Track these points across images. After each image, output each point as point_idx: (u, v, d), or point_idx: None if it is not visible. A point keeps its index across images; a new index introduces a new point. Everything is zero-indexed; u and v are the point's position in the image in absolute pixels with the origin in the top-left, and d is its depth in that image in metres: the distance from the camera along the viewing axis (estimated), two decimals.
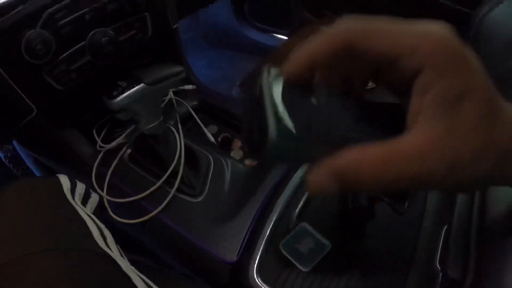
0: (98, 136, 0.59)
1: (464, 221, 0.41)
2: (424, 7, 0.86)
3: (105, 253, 0.38)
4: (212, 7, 1.09)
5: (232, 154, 0.61)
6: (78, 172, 0.57)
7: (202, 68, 1.30)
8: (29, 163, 0.72)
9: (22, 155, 0.73)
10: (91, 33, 0.50)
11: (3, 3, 0.44)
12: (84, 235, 0.39)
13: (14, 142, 0.69)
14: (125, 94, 0.48)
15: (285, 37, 1.24)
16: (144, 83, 0.49)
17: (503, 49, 0.68)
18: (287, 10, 1.17)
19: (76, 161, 0.57)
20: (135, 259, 0.43)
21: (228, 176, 0.54)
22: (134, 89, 0.48)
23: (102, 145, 0.58)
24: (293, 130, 0.18)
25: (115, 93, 0.48)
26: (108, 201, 0.53)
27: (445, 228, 0.44)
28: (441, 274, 0.39)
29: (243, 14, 1.29)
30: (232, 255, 0.46)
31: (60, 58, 0.48)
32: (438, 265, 0.40)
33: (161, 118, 0.53)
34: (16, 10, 0.44)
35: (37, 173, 0.73)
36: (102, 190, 0.54)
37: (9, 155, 0.76)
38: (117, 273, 0.37)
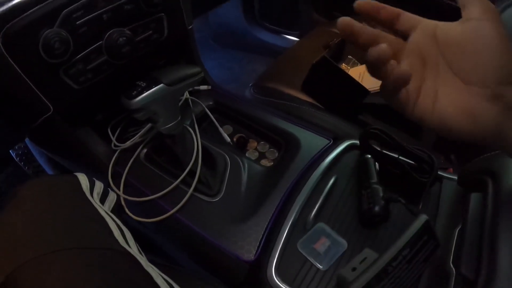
0: (113, 135, 0.59)
1: (477, 222, 0.41)
2: (432, 8, 0.86)
3: (126, 251, 0.38)
4: (222, 8, 1.09)
5: (247, 154, 0.62)
6: (94, 171, 0.57)
7: (212, 69, 1.30)
8: (42, 162, 0.72)
9: (35, 153, 0.73)
10: (108, 33, 0.50)
11: (21, 2, 0.44)
12: (104, 234, 0.40)
13: (27, 140, 0.69)
14: (144, 94, 0.48)
15: (295, 38, 1.25)
16: (163, 83, 0.49)
17: None
18: (296, 11, 1.18)
19: (91, 160, 0.57)
20: (151, 258, 0.43)
21: (245, 176, 0.55)
22: (153, 89, 0.49)
23: (118, 144, 0.58)
24: None
25: (134, 93, 0.48)
26: (125, 200, 0.53)
27: (458, 228, 0.45)
28: (454, 273, 0.40)
29: (253, 15, 1.29)
30: (249, 254, 0.46)
31: (77, 57, 0.49)
32: (451, 265, 0.41)
33: (179, 118, 0.53)
34: (33, 9, 0.44)
35: (49, 172, 0.73)
36: (119, 189, 0.54)
37: (20, 152, 0.76)
38: (138, 271, 0.37)
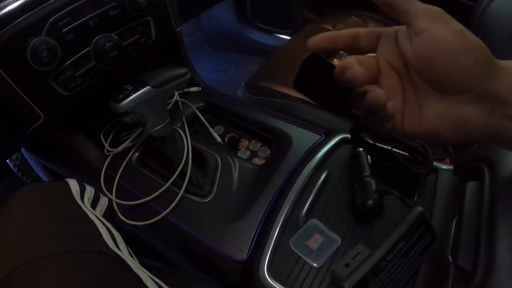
0: (106, 141, 0.60)
1: (474, 213, 0.40)
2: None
3: (116, 254, 0.39)
4: (214, 10, 1.10)
5: (239, 154, 0.61)
6: (87, 177, 0.58)
7: (207, 72, 1.31)
8: (38, 171, 0.73)
9: (31, 162, 0.74)
10: (95, 39, 0.50)
11: (8, 12, 0.44)
12: (94, 237, 0.40)
13: (23, 150, 0.69)
14: (131, 97, 0.48)
15: (288, 37, 1.25)
16: (149, 85, 0.49)
17: (505, 41, 0.68)
18: (288, 10, 1.18)
19: (84, 166, 0.58)
20: (145, 262, 0.43)
21: (236, 175, 0.54)
22: (140, 91, 0.49)
23: (110, 149, 0.58)
24: None
25: (121, 96, 0.48)
26: (117, 204, 0.53)
27: (455, 220, 0.44)
28: (453, 266, 0.39)
29: (245, 16, 1.30)
30: (242, 254, 0.45)
31: (66, 64, 0.49)
32: (450, 257, 0.40)
33: (168, 120, 0.53)
34: (20, 18, 0.45)
35: (46, 180, 0.74)
36: (111, 194, 0.54)
37: (17, 163, 0.77)
38: (128, 273, 0.37)
